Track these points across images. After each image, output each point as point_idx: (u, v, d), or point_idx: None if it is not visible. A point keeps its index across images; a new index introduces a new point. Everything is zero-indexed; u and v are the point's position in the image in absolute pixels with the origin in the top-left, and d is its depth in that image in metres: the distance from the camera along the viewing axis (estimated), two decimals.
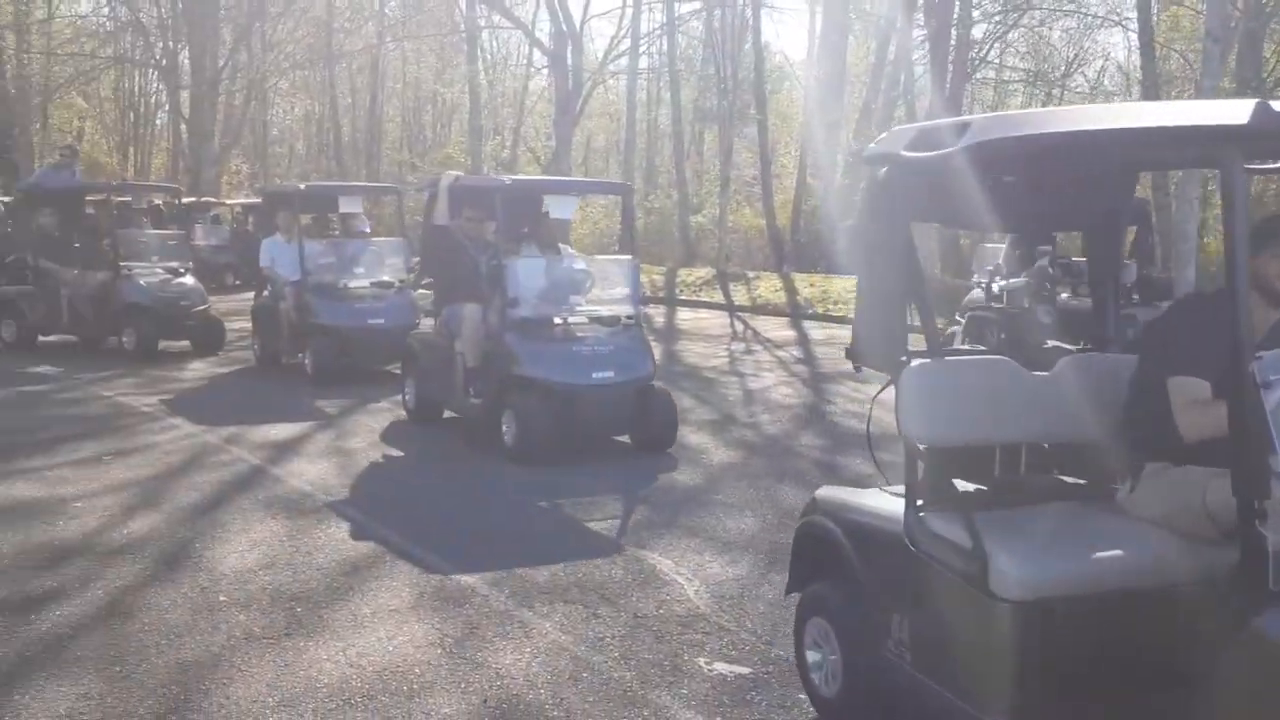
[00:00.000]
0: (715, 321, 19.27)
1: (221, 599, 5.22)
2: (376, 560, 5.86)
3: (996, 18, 24.66)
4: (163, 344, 13.14)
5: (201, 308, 13.41)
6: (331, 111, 42.11)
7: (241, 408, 10.19)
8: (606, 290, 9.05)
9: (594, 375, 8.12)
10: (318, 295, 11.59)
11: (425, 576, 5.60)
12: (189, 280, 13.50)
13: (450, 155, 40.04)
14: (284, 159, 48.00)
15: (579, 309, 8.62)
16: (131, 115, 43.14)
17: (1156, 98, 22.00)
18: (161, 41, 33.03)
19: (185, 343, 13.41)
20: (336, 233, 13.57)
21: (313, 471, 7.79)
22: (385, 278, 12.13)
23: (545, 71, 40.77)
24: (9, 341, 13.62)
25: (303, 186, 13.60)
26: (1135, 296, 13.85)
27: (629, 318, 8.67)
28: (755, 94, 28.91)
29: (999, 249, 15.40)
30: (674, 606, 5.23)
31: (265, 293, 12.58)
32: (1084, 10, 26.71)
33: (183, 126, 33.29)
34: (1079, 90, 32.83)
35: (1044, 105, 33.12)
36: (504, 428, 8.08)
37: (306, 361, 11.57)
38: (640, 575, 5.67)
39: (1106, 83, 33.71)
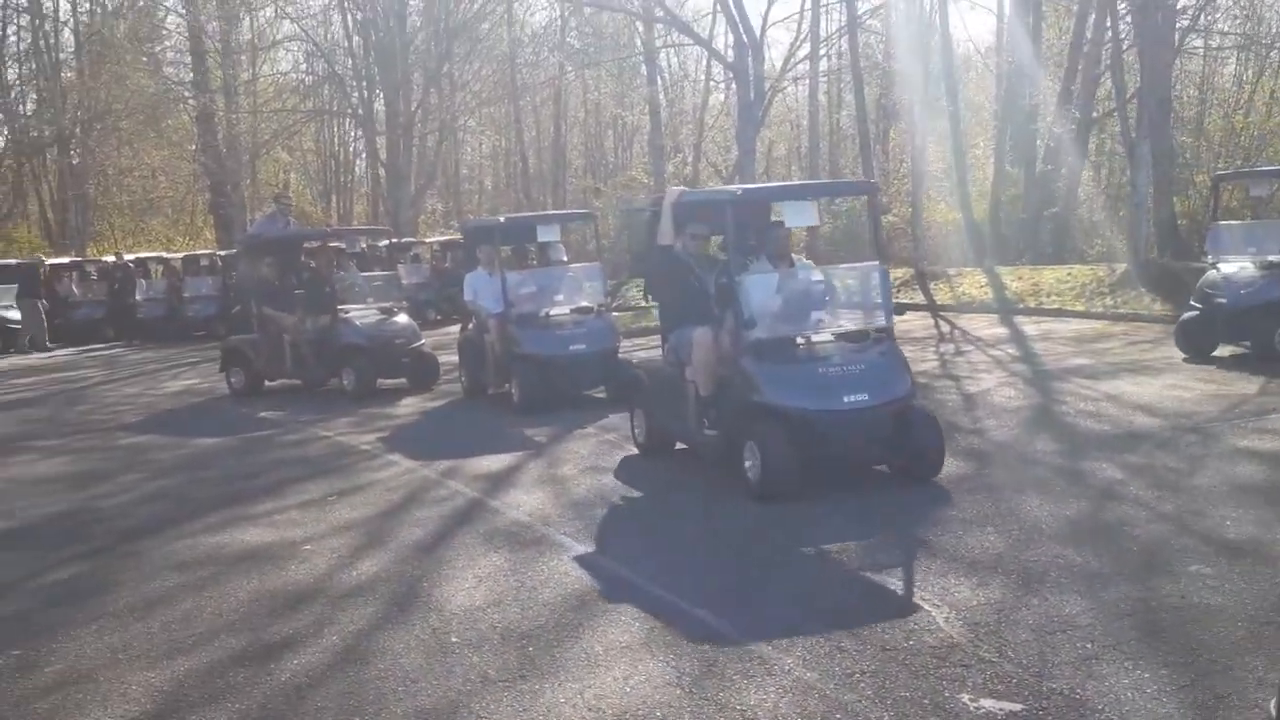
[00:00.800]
0: (919, 323, 18.51)
1: (453, 640, 5.12)
2: (602, 593, 5.67)
3: None
4: (381, 382, 13.45)
5: (416, 345, 13.68)
6: (518, 145, 43.07)
7: (454, 441, 10.28)
8: (851, 301, 8.30)
9: (845, 399, 7.21)
10: (521, 325, 11.70)
11: (654, 610, 5.36)
12: (402, 319, 13.82)
13: (634, 177, 40.37)
14: (474, 195, 49.38)
15: (822, 325, 7.73)
16: (332, 164, 45.26)
17: None
18: (357, 91, 34.49)
19: (402, 380, 13.69)
20: (534, 262, 13.66)
21: (530, 502, 7.70)
22: (584, 303, 12.15)
23: (723, 85, 40.74)
24: (238, 389, 14.22)
25: (501, 219, 13.66)
26: None
27: (880, 331, 7.73)
28: (946, 85, 27.92)
29: (1234, 226, 14.15)
30: (924, 636, 4.82)
31: (470, 326, 12.78)
32: None
33: (380, 171, 34.61)
34: None
35: (1259, 73, 30.81)
36: (747, 463, 7.28)
37: (513, 391, 11.65)
38: (882, 602, 5.29)
39: None
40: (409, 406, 12.64)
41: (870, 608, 5.21)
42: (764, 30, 27.07)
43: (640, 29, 36.39)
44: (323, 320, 13.45)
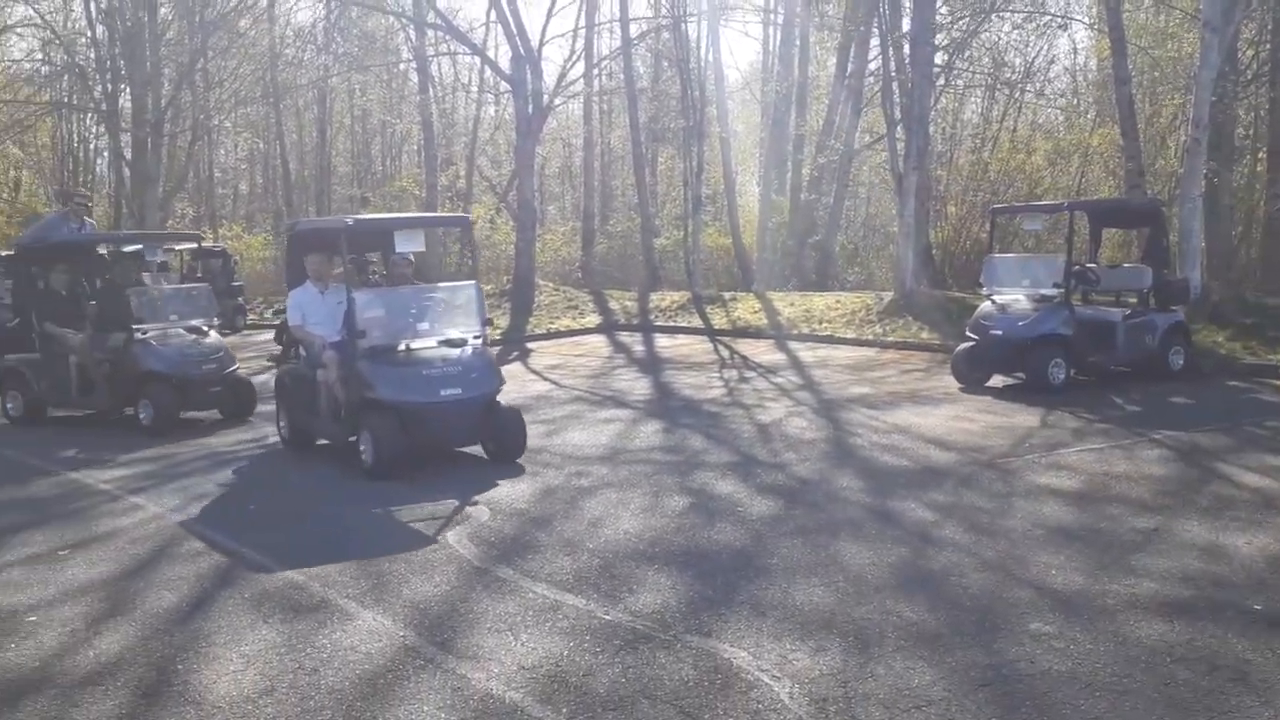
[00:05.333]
0: (698, 347, 18.43)
1: None
2: (399, 673, 4.90)
3: (963, 20, 24.16)
4: (187, 414, 11.71)
5: (231, 369, 11.97)
6: (278, 148, 40.91)
7: (230, 486, 9.16)
8: None
9: None
10: (373, 361, 9.06)
11: (463, 692, 4.66)
12: (213, 338, 11.98)
13: (404, 187, 39.08)
14: (229, 200, 46.62)
15: None
16: (70, 162, 41.66)
17: (1130, 96, 21.66)
18: (100, 85, 31.76)
19: (214, 412, 12.01)
20: (378, 278, 10.78)
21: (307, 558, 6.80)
22: (454, 333, 9.49)
23: (494, 98, 39.99)
24: (15, 417, 12.27)
25: (349, 220, 9.98)
26: (1152, 301, 13.26)
27: None
28: (717, 111, 28.22)
29: (1008, 258, 14.65)
30: (770, 717, 4.33)
31: (296, 356, 10.37)
32: (1041, 10, 26.20)
33: (125, 171, 32.01)
34: (1038, 91, 32.50)
35: (1004, 112, 32.77)
36: None
37: (362, 449, 9.03)
38: (716, 676, 4.75)
39: (1047, 89, 33.44)
40: (209, 445, 10.93)
41: (704, 681, 4.66)
42: (541, 45, 26.55)
43: (412, 34, 35.24)
44: (113, 340, 11.50)
